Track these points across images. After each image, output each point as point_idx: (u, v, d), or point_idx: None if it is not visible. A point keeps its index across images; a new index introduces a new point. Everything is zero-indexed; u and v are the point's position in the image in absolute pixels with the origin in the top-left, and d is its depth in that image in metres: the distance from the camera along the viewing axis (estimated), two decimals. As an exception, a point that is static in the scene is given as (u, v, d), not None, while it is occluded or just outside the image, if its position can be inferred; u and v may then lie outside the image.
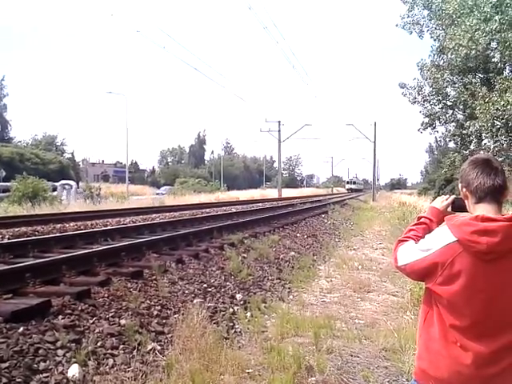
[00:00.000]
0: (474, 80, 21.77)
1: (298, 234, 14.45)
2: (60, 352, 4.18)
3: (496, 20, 16.41)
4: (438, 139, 50.84)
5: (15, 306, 4.64)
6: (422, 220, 2.20)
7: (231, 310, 6.47)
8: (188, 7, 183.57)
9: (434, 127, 23.64)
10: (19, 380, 3.70)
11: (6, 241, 9.66)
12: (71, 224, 13.22)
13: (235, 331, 5.72)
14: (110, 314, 5.20)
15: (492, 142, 20.83)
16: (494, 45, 18.71)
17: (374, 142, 55.97)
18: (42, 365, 3.96)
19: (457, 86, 22.68)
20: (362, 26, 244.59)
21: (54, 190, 31.52)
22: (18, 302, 4.87)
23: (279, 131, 52.52)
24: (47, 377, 3.87)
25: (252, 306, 6.65)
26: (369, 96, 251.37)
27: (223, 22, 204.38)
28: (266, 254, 10.09)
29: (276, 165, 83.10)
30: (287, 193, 61.90)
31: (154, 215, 17.63)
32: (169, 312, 5.80)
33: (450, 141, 25.79)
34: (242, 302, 6.89)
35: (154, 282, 6.60)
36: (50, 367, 3.97)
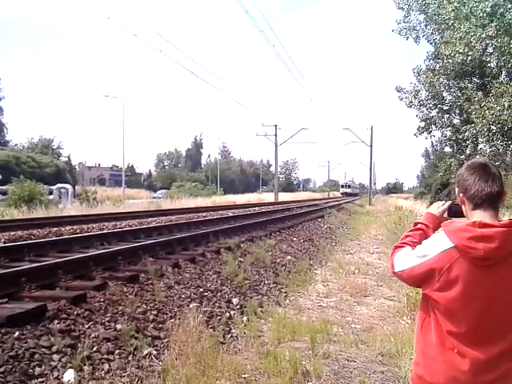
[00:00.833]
0: (469, 85, 21.87)
1: (295, 238, 14.45)
2: (55, 357, 4.16)
3: (492, 26, 16.49)
4: (434, 144, 50.83)
5: (10, 311, 4.62)
6: (419, 226, 2.20)
7: (228, 314, 6.46)
8: (184, 11, 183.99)
9: (430, 132, 23.71)
10: (14, 385, 3.68)
11: (1, 245, 9.63)
12: (67, 228, 13.20)
13: (231, 336, 5.71)
14: (106, 319, 5.18)
15: (488, 146, 20.90)
16: (489, 50, 18.79)
17: (371, 146, 56.10)
18: (38, 370, 3.94)
19: (453, 90, 22.77)
20: (359, 30, 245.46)
21: (51, 193, 31.46)
22: (13, 307, 4.84)
23: (276, 135, 52.66)
24: (43, 382, 3.85)
25: (248, 311, 6.63)
26: (365, 100, 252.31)
27: (220, 25, 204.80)
28: (263, 258, 10.09)
29: (272, 169, 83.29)
30: (284, 197, 61.92)
31: (150, 219, 17.61)
32: (165, 316, 5.78)
33: (446, 145, 25.83)
34: (238, 307, 6.88)
35: (151, 286, 6.58)
36: (46, 372, 3.95)
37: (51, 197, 30.10)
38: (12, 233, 11.58)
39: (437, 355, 1.94)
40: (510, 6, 16.45)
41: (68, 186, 36.35)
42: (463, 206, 2.02)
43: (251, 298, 7.47)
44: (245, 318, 6.30)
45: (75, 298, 5.34)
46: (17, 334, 4.27)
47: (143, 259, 8.02)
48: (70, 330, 4.66)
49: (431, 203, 2.38)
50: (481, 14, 16.69)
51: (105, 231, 12.41)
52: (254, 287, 8.12)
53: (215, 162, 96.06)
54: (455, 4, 17.34)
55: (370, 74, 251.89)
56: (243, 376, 4.41)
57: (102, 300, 5.61)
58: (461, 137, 22.01)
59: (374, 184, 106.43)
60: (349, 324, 6.32)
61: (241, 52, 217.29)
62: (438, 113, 23.10)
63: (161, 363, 4.55)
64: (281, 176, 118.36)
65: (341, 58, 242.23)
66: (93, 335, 4.73)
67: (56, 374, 3.98)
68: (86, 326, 4.87)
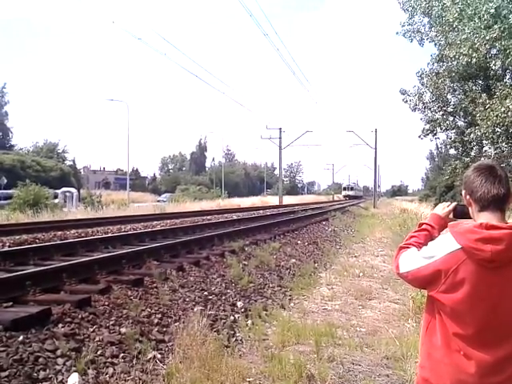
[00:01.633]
0: (474, 87, 21.80)
1: (299, 241, 14.43)
2: (60, 360, 4.16)
3: (496, 28, 16.44)
4: (439, 146, 50.81)
5: (15, 315, 4.63)
6: (424, 227, 2.19)
7: (232, 317, 6.44)
8: (189, 14, 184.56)
9: (435, 134, 23.63)
10: (19, 389, 3.67)
11: (6, 248, 9.65)
12: (72, 231, 13.23)
13: (236, 339, 5.69)
14: (111, 323, 5.18)
15: (493, 148, 20.82)
16: (494, 52, 18.73)
17: (375, 148, 56.13)
18: (42, 373, 3.94)
19: (457, 92, 22.71)
20: (363, 33, 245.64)
21: (56, 197, 31.57)
22: (18, 310, 4.85)
23: (280, 138, 52.65)
24: (47, 386, 3.84)
25: (253, 314, 6.62)
26: (369, 102, 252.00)
27: (224, 29, 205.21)
28: (267, 261, 10.08)
29: (277, 172, 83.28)
30: (288, 200, 61.87)
31: (154, 222, 17.62)
32: (169, 320, 5.78)
33: (450, 148, 25.74)
34: (242, 310, 6.87)
35: (155, 289, 6.58)
36: (50, 376, 3.95)
37: (56, 201, 30.24)
38: (17, 236, 11.60)
39: (442, 357, 1.92)
40: (513, 7, 16.43)
41: (73, 189, 36.50)
42: (470, 208, 2.01)
43: (256, 301, 7.46)
44: (249, 322, 6.30)
45: (80, 301, 5.34)
46: (21, 337, 4.27)
47: (148, 262, 8.02)
48: (75, 334, 4.66)
49: (436, 205, 2.37)
50: (485, 16, 16.65)
51: (109, 235, 12.42)
52: (259, 290, 8.11)
53: (219, 165, 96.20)
54: (459, 5, 17.31)
55: (374, 77, 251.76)
56: (248, 380, 4.40)
57: (106, 303, 5.60)
58: (466, 139, 21.93)
59: (379, 187, 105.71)
60: (354, 327, 6.30)
61: (245, 55, 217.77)
62: (442, 115, 23.03)
63: (165, 367, 4.54)
64: (285, 179, 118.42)
65: (345, 61, 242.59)
66: (97, 339, 4.73)
67: (60, 377, 3.97)
68: (91, 330, 4.87)
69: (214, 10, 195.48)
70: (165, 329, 5.48)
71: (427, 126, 23.27)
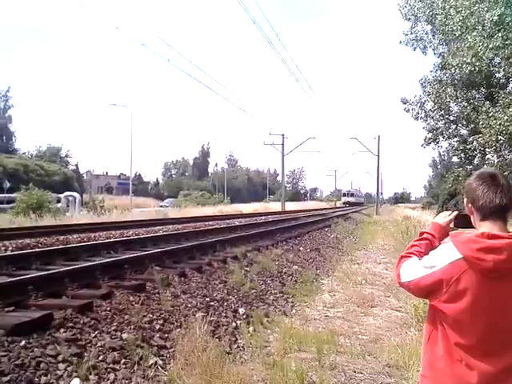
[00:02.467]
0: (477, 95, 21.82)
1: (301, 248, 14.41)
2: (61, 366, 4.15)
3: (499, 36, 16.49)
4: (442, 153, 50.71)
5: (17, 319, 4.63)
6: (425, 236, 2.18)
7: (234, 324, 6.44)
8: (193, 21, 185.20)
9: (438, 142, 23.64)
10: (20, 394, 3.68)
11: (9, 253, 9.67)
12: (74, 236, 13.24)
13: (238, 346, 5.69)
14: (112, 328, 5.17)
15: (496, 156, 20.82)
16: (497, 60, 18.76)
17: (378, 155, 56.03)
18: (43, 379, 3.93)
19: (460, 100, 22.72)
20: (366, 40, 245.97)
21: (58, 201, 31.61)
22: (19, 315, 4.85)
23: (283, 144, 52.63)
24: (48, 391, 3.84)
25: (255, 321, 6.61)
26: (372, 110, 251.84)
27: (228, 35, 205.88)
28: (269, 267, 10.07)
29: (279, 178, 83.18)
30: (290, 206, 61.82)
31: (157, 228, 17.64)
32: (171, 326, 5.77)
33: (453, 156, 25.74)
34: (244, 316, 6.86)
35: (157, 295, 6.58)
36: (51, 381, 3.94)
37: (59, 205, 30.26)
38: (19, 241, 11.62)
39: (444, 367, 1.92)
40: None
41: (76, 194, 36.52)
42: (471, 216, 2.01)
43: (257, 307, 7.45)
44: (251, 328, 6.28)
45: (81, 306, 5.35)
46: (23, 342, 4.27)
47: (150, 268, 8.01)
48: (76, 339, 4.66)
49: (439, 213, 2.37)
50: (488, 25, 16.70)
51: (112, 240, 12.43)
52: (261, 297, 8.10)
53: (222, 170, 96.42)
54: (462, 14, 17.35)
55: (377, 84, 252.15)
56: (249, 387, 4.38)
57: (108, 309, 5.60)
58: (468, 147, 21.95)
59: (381, 194, 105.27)
60: (356, 335, 6.28)
61: (248, 62, 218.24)
62: (444, 123, 23.05)
63: (166, 373, 4.54)
64: (288, 185, 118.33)
65: (348, 68, 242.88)
66: (99, 344, 4.72)
67: (62, 383, 3.97)
68: (92, 335, 4.87)
69: (218, 17, 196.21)
70: (166, 335, 5.48)
71: (429, 135, 23.28)
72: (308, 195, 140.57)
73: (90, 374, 4.17)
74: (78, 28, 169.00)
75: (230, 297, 7.57)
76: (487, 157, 21.92)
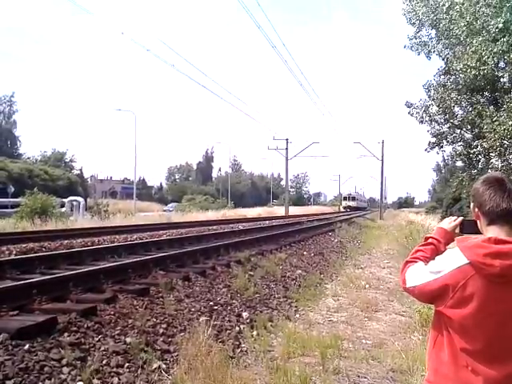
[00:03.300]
0: (481, 99, 21.78)
1: (305, 252, 14.40)
2: (65, 370, 4.16)
3: (504, 41, 16.47)
4: (446, 158, 50.61)
5: (21, 323, 4.64)
6: (430, 240, 2.16)
7: (237, 328, 6.43)
8: (197, 26, 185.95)
9: (442, 147, 23.60)
10: (24, 398, 3.68)
11: (13, 257, 9.70)
12: (78, 240, 13.27)
13: (241, 350, 5.68)
14: (116, 332, 5.18)
15: (500, 161, 20.75)
16: (502, 64, 18.75)
17: (382, 160, 56.00)
18: (47, 382, 3.94)
19: (464, 105, 22.68)
20: (370, 45, 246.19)
21: (63, 206, 31.68)
22: (24, 319, 4.86)
23: (287, 149, 52.65)
24: (52, 395, 3.85)
25: (258, 325, 6.60)
26: (376, 114, 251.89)
27: (232, 40, 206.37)
28: (273, 271, 10.06)
29: (283, 182, 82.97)
30: (294, 211, 61.83)
31: (161, 232, 17.66)
32: (175, 330, 5.77)
33: (457, 160, 25.68)
34: (248, 321, 6.85)
35: (161, 299, 6.58)
36: (55, 385, 3.95)
37: (63, 209, 30.32)
38: (24, 245, 11.66)
39: (449, 373, 1.91)
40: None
41: (80, 198, 36.56)
42: (478, 221, 2.00)
43: (261, 312, 7.44)
44: (254, 333, 6.27)
45: (85, 310, 5.35)
46: (27, 346, 4.28)
47: (154, 272, 8.03)
48: (80, 343, 4.67)
49: (443, 218, 2.36)
50: (493, 30, 16.69)
51: (116, 244, 12.46)
52: (264, 301, 8.09)
53: (226, 175, 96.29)
54: (467, 19, 17.35)
55: (381, 89, 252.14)
56: (253, 391, 4.37)
57: (112, 313, 5.61)
58: (472, 151, 21.91)
59: (385, 198, 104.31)
60: (359, 339, 6.27)
61: (253, 66, 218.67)
62: (449, 128, 23.01)
63: (170, 377, 4.54)
64: (291, 190, 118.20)
65: (352, 73, 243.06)
66: (102, 348, 4.73)
67: (65, 387, 3.98)
68: (96, 339, 4.88)
69: (223, 22, 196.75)
70: (170, 339, 5.48)
71: (433, 140, 23.25)
72: (312, 200, 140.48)
73: (94, 378, 4.18)
74: (84, 33, 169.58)
75: (234, 301, 7.57)
76: (491, 161, 21.86)
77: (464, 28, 17.71)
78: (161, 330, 5.60)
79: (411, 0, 21.43)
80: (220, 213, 45.92)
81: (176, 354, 5.08)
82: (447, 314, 1.89)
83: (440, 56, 21.99)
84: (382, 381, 4.82)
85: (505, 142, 18.34)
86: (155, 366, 4.71)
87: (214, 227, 21.84)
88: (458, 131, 22.95)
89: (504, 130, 17.39)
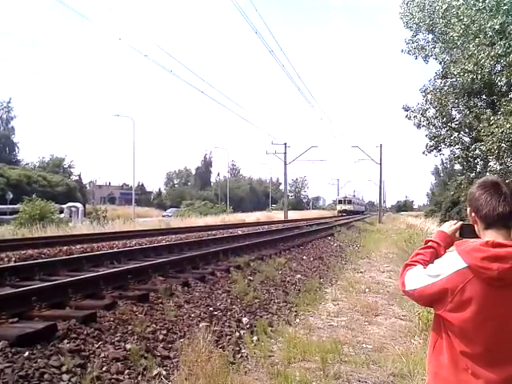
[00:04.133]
0: (479, 103, 21.84)
1: (305, 257, 14.39)
2: (65, 377, 4.15)
3: (501, 44, 16.54)
4: (444, 161, 50.68)
5: (21, 330, 4.63)
6: (430, 244, 2.16)
7: (237, 334, 6.41)
8: (195, 32, 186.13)
9: (440, 150, 23.64)
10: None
11: (12, 264, 9.68)
12: (77, 246, 13.26)
13: (241, 356, 5.67)
14: (116, 339, 5.17)
15: (498, 164, 20.78)
16: (498, 68, 18.80)
17: (380, 163, 56.09)
18: (47, 390, 3.92)
19: (461, 108, 22.74)
20: (368, 49, 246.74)
21: (61, 212, 31.66)
22: (23, 326, 4.85)
23: (285, 153, 52.76)
24: (52, 402, 3.83)
25: (258, 330, 6.59)
26: (374, 118, 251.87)
27: (230, 45, 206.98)
28: (273, 276, 10.05)
29: (282, 187, 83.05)
30: (293, 215, 61.82)
31: (160, 237, 17.65)
32: (174, 336, 5.76)
33: (455, 163, 25.73)
34: (248, 326, 6.83)
35: (160, 305, 6.57)
36: (55, 392, 3.93)
37: (62, 215, 30.29)
38: (23, 251, 11.64)
39: (449, 376, 1.91)
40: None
41: (78, 204, 36.59)
42: (475, 226, 2.01)
43: (261, 317, 7.43)
44: (255, 338, 6.26)
45: (85, 317, 5.34)
46: (27, 353, 4.27)
47: (153, 278, 8.02)
48: (80, 350, 4.65)
49: (442, 221, 2.36)
50: (490, 33, 16.75)
51: (115, 250, 12.44)
52: (264, 306, 8.08)
53: (225, 180, 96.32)
54: (464, 22, 17.41)
55: (379, 92, 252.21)
56: (253, 397, 4.36)
57: (111, 319, 5.60)
58: (470, 154, 21.95)
59: (384, 202, 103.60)
60: (360, 344, 6.25)
61: (250, 71, 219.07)
62: (447, 131, 23.05)
63: (170, 383, 4.52)
64: (290, 194, 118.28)
65: (350, 77, 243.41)
66: (102, 355, 4.72)
67: (65, 394, 3.96)
68: (96, 346, 4.87)
69: (220, 27, 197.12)
70: (170, 345, 5.47)
71: (431, 143, 23.29)
72: (311, 204, 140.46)
73: (94, 384, 4.16)
74: (82, 39, 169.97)
75: (234, 306, 7.55)
76: (490, 164, 21.90)
77: (461, 32, 17.77)
78: (161, 336, 5.59)
79: (408, 4, 21.54)
80: (219, 218, 45.88)
81: (176, 360, 5.07)
82: (447, 318, 1.89)
83: (437, 60, 22.08)
84: (383, 385, 4.81)
85: (503, 144, 18.37)
86: (155, 372, 4.70)
87: (213, 232, 21.83)
88: (456, 134, 23.00)
89: (502, 132, 17.42)
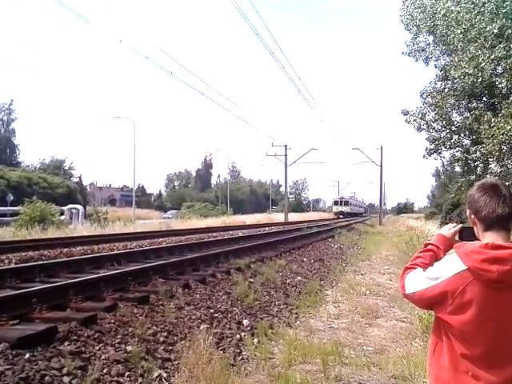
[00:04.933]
0: (480, 105, 21.84)
1: (305, 259, 14.39)
2: (66, 379, 4.15)
3: (501, 47, 16.55)
4: (445, 163, 50.67)
5: (21, 332, 4.63)
6: (429, 247, 2.17)
7: (238, 336, 6.41)
8: (196, 33, 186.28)
9: (440, 153, 23.63)
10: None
11: (12, 265, 9.68)
12: (78, 248, 13.25)
13: (242, 358, 5.66)
14: (117, 341, 5.17)
15: (498, 166, 20.78)
16: (499, 70, 18.81)
17: (381, 165, 56.08)
18: (48, 392, 3.92)
19: (462, 110, 22.74)
20: (369, 51, 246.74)
21: (62, 214, 31.64)
22: (24, 328, 4.85)
23: (285, 155, 52.74)
24: (53, 404, 3.83)
25: (259, 332, 6.59)
26: (375, 120, 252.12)
27: (230, 47, 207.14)
28: (273, 278, 10.05)
29: (282, 189, 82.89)
30: (294, 217, 61.81)
31: (160, 239, 17.65)
32: (175, 338, 5.76)
33: (455, 166, 25.69)
34: (248, 328, 6.83)
35: (161, 307, 6.58)
36: (56, 394, 3.93)
37: (62, 217, 30.27)
38: (23, 253, 11.64)
39: (449, 379, 1.91)
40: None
41: (79, 206, 36.55)
42: (475, 227, 2.01)
43: (262, 319, 7.42)
44: (255, 340, 6.26)
45: (86, 319, 5.35)
46: (27, 355, 4.27)
47: (153, 280, 8.02)
48: (81, 352, 4.65)
49: (442, 223, 2.37)
50: (489, 37, 16.76)
51: (115, 252, 12.44)
52: (265, 308, 8.08)
53: (225, 182, 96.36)
54: (464, 26, 17.42)
55: (379, 94, 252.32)
56: (254, 399, 4.36)
57: (112, 321, 5.60)
58: (471, 157, 21.95)
59: (385, 204, 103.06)
60: (360, 346, 6.26)
61: (251, 73, 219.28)
62: (447, 134, 23.05)
63: (171, 386, 4.52)
64: (291, 196, 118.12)
65: (350, 79, 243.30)
66: (103, 357, 4.71)
67: (66, 396, 3.96)
68: (97, 348, 4.87)
69: (220, 29, 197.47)
70: (171, 347, 5.46)
71: (431, 146, 23.28)
72: (311, 206, 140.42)
73: (95, 386, 4.16)
74: (82, 41, 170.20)
75: (234, 308, 7.56)
76: (490, 166, 21.89)
77: (461, 36, 17.79)
78: (161, 338, 5.59)
79: (409, 6, 21.54)
80: (219, 220, 45.89)
81: (177, 362, 5.07)
82: (447, 321, 1.90)
83: (437, 62, 22.10)
84: (384, 387, 4.81)
85: (503, 147, 18.38)
86: (156, 374, 4.70)
87: (214, 234, 21.84)
88: (456, 137, 23.00)
89: (503, 135, 17.43)
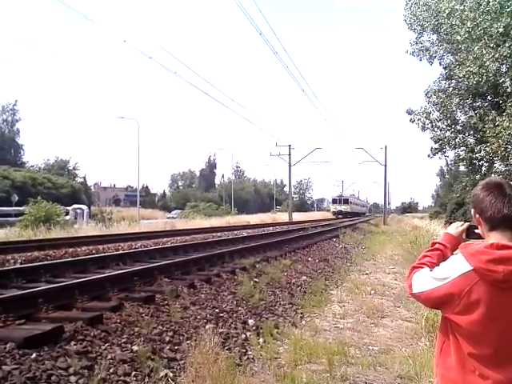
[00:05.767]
0: (485, 104, 21.80)
1: (310, 259, 14.38)
2: (73, 378, 4.16)
3: (505, 46, 16.53)
4: (450, 163, 50.53)
5: (28, 332, 4.65)
6: (437, 246, 2.17)
7: (243, 335, 6.41)
8: (200, 33, 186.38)
9: (444, 152, 23.60)
10: (32, 407, 3.68)
11: (18, 265, 9.72)
12: (83, 248, 13.29)
13: (248, 358, 5.66)
14: (123, 340, 5.18)
15: (503, 165, 20.73)
16: (503, 69, 18.78)
17: (385, 165, 55.97)
18: (55, 391, 3.93)
19: (466, 109, 22.71)
20: (373, 50, 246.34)
21: (67, 214, 31.75)
22: (30, 328, 4.88)
23: (289, 155, 52.77)
24: (60, 404, 3.84)
25: (264, 332, 6.58)
26: (379, 119, 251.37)
27: (234, 47, 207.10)
28: (278, 278, 10.05)
29: (286, 189, 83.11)
30: (298, 217, 61.76)
31: (165, 239, 17.69)
32: (181, 338, 5.76)
33: (460, 165, 25.65)
34: (254, 328, 6.83)
35: (166, 307, 6.59)
36: (63, 394, 3.94)
37: (67, 217, 30.36)
38: (29, 253, 11.69)
39: (457, 378, 1.91)
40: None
41: (84, 206, 36.70)
42: (480, 227, 2.01)
43: (267, 318, 7.42)
44: (261, 340, 6.25)
45: (92, 319, 5.36)
46: (34, 355, 4.28)
47: (159, 280, 8.04)
48: (87, 352, 4.67)
49: (446, 222, 2.36)
50: (494, 35, 16.73)
51: (120, 251, 12.48)
52: (270, 308, 8.08)
53: (229, 182, 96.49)
54: (468, 25, 17.39)
55: (384, 94, 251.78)
56: (260, 399, 4.36)
57: (118, 321, 5.61)
58: (475, 156, 21.92)
59: (389, 203, 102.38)
60: (366, 346, 6.24)
61: (255, 73, 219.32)
62: (451, 133, 23.01)
63: (177, 385, 4.52)
64: (295, 196, 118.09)
65: (354, 78, 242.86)
66: (109, 357, 4.72)
67: (73, 395, 3.97)
68: (103, 348, 4.88)
69: (224, 29, 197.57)
70: (176, 347, 5.47)
71: (436, 145, 23.25)
72: (315, 205, 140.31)
73: (101, 386, 4.17)
74: (87, 41, 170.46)
75: (240, 308, 7.56)
76: (494, 165, 21.85)
77: (465, 35, 17.76)
78: (167, 338, 5.60)
79: (413, 5, 21.53)
80: (224, 219, 45.91)
81: (183, 361, 5.07)
82: (454, 320, 1.90)
83: (442, 61, 22.07)
84: (390, 387, 4.80)
85: (508, 146, 18.35)
86: (162, 374, 4.70)
87: (218, 234, 21.87)
88: (461, 136, 22.96)
89: (508, 134, 17.40)
